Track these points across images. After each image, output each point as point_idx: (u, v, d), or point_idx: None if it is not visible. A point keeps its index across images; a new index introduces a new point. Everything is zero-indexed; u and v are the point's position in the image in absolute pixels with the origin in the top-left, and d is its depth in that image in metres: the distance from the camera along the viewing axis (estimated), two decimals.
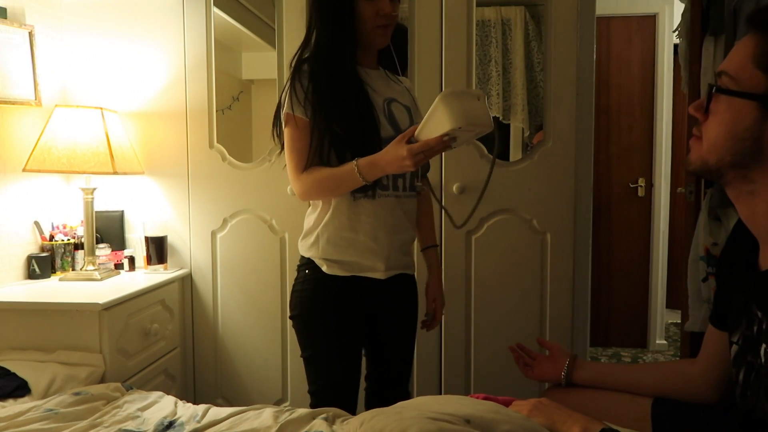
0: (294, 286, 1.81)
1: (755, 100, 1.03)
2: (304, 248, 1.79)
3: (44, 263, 2.54)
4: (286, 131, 1.71)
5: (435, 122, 1.46)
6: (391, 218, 1.74)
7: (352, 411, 1.79)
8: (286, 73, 2.62)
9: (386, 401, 1.61)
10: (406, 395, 1.96)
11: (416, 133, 1.52)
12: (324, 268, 1.73)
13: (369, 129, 1.67)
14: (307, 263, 1.78)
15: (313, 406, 1.80)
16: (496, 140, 1.61)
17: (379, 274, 1.74)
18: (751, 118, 1.04)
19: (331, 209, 1.72)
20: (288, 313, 2.67)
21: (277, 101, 2.63)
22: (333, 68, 1.67)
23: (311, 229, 1.77)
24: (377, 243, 1.72)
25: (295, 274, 2.63)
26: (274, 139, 1.81)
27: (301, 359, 1.81)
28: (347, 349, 1.79)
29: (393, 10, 1.69)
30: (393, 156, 1.53)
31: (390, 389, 1.93)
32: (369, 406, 1.92)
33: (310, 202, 1.82)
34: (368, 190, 1.67)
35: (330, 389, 1.80)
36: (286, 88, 1.71)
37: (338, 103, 1.65)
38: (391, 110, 1.75)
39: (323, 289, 1.75)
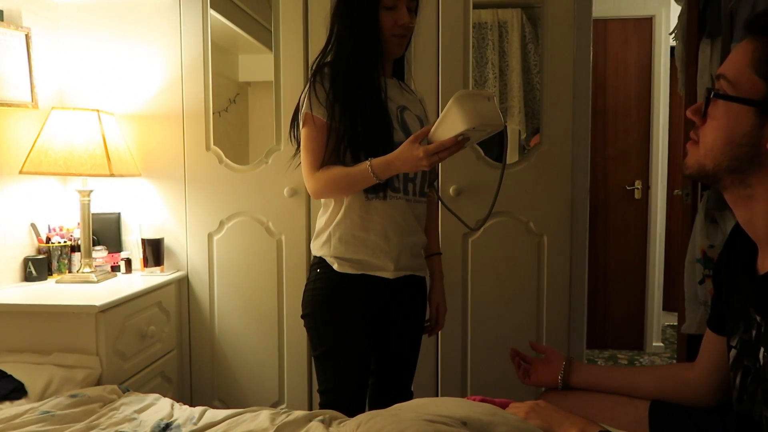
0: (306, 285, 1.84)
1: (753, 105, 1.04)
2: (316, 247, 1.82)
3: (41, 265, 2.53)
4: (303, 131, 1.75)
5: (449, 123, 1.51)
6: (402, 220, 1.78)
7: (361, 410, 1.82)
8: (283, 76, 2.66)
9: (389, 400, 1.63)
10: (409, 395, 1.99)
11: (430, 134, 1.58)
12: (335, 266, 1.75)
13: (384, 133, 1.71)
14: (318, 262, 1.81)
15: (322, 405, 1.82)
16: (506, 142, 1.65)
17: (388, 274, 1.77)
18: (748, 123, 1.04)
19: (343, 209, 1.76)
20: (285, 315, 2.72)
21: (274, 103, 2.67)
22: (354, 74, 1.72)
23: (323, 229, 1.81)
24: (388, 243, 1.76)
25: (293, 275, 2.66)
26: (291, 140, 1.87)
27: (305, 360, 1.82)
28: (358, 347, 1.80)
29: (410, 21, 1.75)
30: (408, 156, 1.58)
31: (394, 388, 1.96)
32: (372, 404, 1.95)
33: (322, 202, 1.85)
34: (379, 191, 1.72)
35: (341, 387, 1.82)
36: (306, 89, 1.75)
37: (357, 106, 1.70)
38: (403, 117, 1.81)
39: (334, 286, 1.77)
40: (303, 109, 1.74)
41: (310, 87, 1.73)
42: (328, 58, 1.79)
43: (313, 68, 1.78)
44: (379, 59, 1.77)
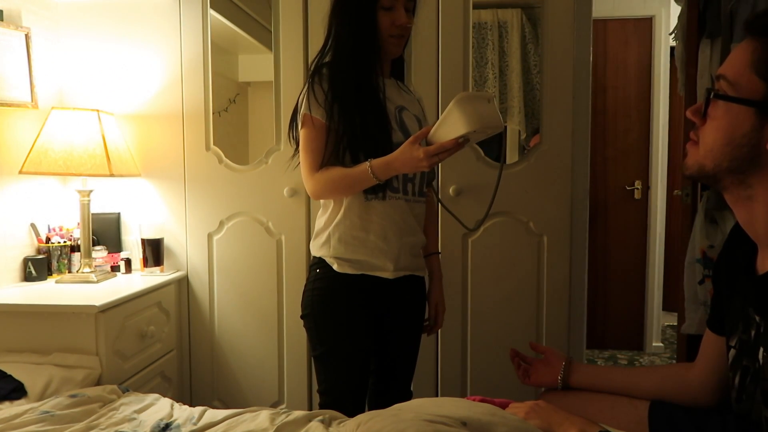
0: (306, 285, 1.84)
1: (753, 106, 1.04)
2: (316, 248, 1.82)
3: (40, 265, 2.53)
4: (302, 132, 1.76)
5: (450, 125, 1.52)
6: (401, 220, 1.78)
7: (361, 410, 1.82)
8: (283, 76, 2.66)
9: (389, 400, 1.63)
10: (409, 395, 2.00)
11: (430, 135, 1.58)
12: (335, 267, 1.76)
13: (382, 133, 1.72)
14: (318, 262, 1.81)
15: (322, 405, 1.82)
16: (504, 144, 1.67)
17: (387, 274, 1.77)
18: (748, 124, 1.04)
19: (342, 209, 1.76)
20: (285, 315, 2.72)
21: (273, 104, 2.67)
22: (352, 74, 1.72)
23: (322, 229, 1.81)
24: (387, 243, 1.76)
25: (293, 275, 2.66)
26: (290, 140, 1.87)
27: (305, 360, 1.81)
28: (357, 347, 1.81)
29: (408, 21, 1.75)
30: (409, 157, 1.58)
31: (393, 388, 1.96)
32: (371, 404, 1.95)
33: (321, 203, 1.86)
34: (379, 191, 1.72)
35: (340, 387, 1.82)
36: (304, 90, 1.75)
37: (355, 106, 1.70)
38: (402, 118, 1.81)
39: (334, 287, 1.78)
40: (302, 110, 1.74)
41: (308, 88, 1.73)
42: (327, 59, 1.79)
43: (312, 69, 1.78)
44: (377, 59, 1.77)
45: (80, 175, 2.46)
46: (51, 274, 2.60)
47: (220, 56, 2.90)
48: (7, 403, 1.82)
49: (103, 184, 2.76)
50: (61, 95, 2.78)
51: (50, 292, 2.37)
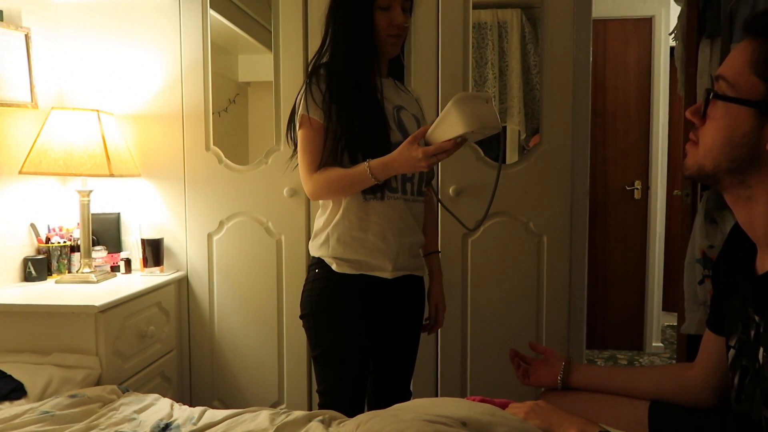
0: (305, 285, 1.85)
1: (752, 106, 1.03)
2: (315, 248, 1.82)
3: (40, 265, 2.53)
4: (300, 132, 1.76)
5: (448, 126, 1.53)
6: (400, 220, 1.78)
7: (361, 410, 1.82)
8: (283, 76, 2.66)
9: (388, 400, 1.63)
10: (408, 394, 2.00)
11: (428, 134, 1.59)
12: (333, 267, 1.76)
13: (381, 133, 1.72)
14: (317, 263, 1.81)
15: (321, 405, 1.82)
16: (503, 145, 1.67)
17: (386, 274, 1.77)
18: (748, 124, 1.04)
19: (341, 210, 1.77)
20: (285, 315, 2.73)
21: (273, 103, 2.67)
22: (349, 74, 1.72)
23: (321, 229, 1.81)
24: (386, 243, 1.76)
25: (293, 276, 2.66)
26: (288, 141, 1.86)
27: (305, 360, 1.81)
28: (356, 347, 1.81)
29: (405, 21, 1.75)
30: (407, 158, 1.59)
31: (392, 388, 1.97)
32: (371, 405, 1.95)
33: (320, 203, 1.86)
34: (377, 191, 1.72)
35: (340, 387, 1.82)
36: (302, 91, 1.75)
37: (353, 106, 1.70)
38: (400, 117, 1.81)
39: (333, 287, 1.78)
40: (299, 111, 1.74)
41: (306, 88, 1.73)
42: (324, 59, 1.79)
43: (309, 69, 1.78)
44: (375, 59, 1.77)
45: (80, 175, 2.46)
46: (51, 274, 2.60)
47: (220, 56, 2.90)
48: (7, 403, 1.82)
49: (103, 184, 2.76)
50: (61, 95, 2.78)
51: (50, 292, 2.36)
